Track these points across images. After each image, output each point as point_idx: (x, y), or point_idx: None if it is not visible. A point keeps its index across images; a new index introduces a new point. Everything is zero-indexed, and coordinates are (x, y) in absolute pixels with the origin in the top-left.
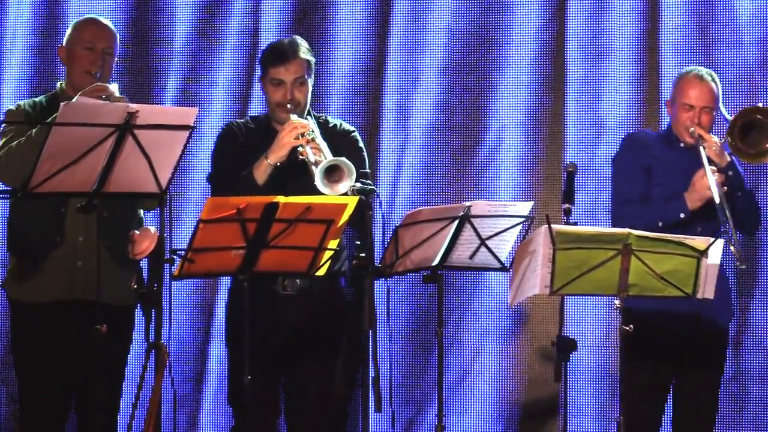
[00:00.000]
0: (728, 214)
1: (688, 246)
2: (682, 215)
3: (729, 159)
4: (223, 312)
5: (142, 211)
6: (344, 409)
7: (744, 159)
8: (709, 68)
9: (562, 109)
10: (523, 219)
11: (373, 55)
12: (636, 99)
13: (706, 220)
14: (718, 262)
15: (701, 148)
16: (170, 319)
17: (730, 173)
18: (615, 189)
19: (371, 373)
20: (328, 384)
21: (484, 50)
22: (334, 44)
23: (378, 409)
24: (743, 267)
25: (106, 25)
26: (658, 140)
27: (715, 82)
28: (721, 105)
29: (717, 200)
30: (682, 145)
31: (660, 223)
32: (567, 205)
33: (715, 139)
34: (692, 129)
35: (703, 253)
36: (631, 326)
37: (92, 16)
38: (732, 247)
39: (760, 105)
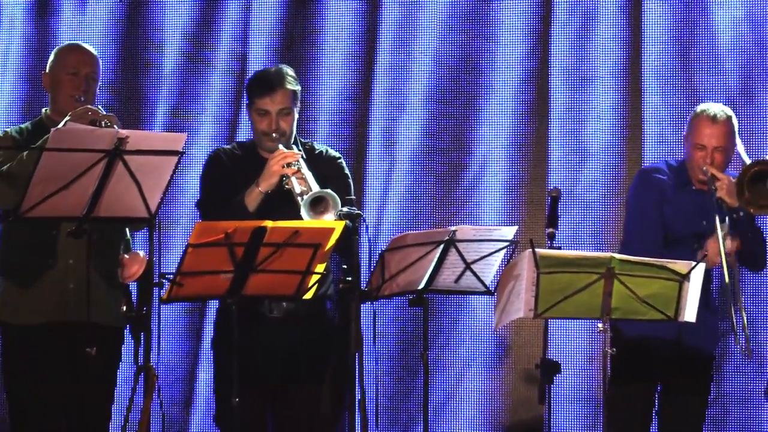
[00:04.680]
0: (735, 297)
1: (670, 270)
2: None
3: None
4: (211, 335)
5: (128, 232)
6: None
7: (752, 210)
8: (690, 94)
9: (546, 134)
10: (507, 243)
11: (360, 81)
12: (619, 124)
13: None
14: (700, 286)
15: (715, 203)
16: (159, 342)
17: (741, 213)
18: (633, 232)
19: (357, 396)
20: (316, 407)
21: (469, 76)
22: (321, 69)
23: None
24: (748, 358)
25: (88, 51)
26: (671, 181)
27: (729, 121)
28: (738, 141)
29: (727, 279)
30: (694, 187)
31: None
32: (551, 230)
33: (729, 178)
34: (705, 168)
35: (685, 276)
36: (614, 349)
37: (74, 42)
38: (736, 339)
39: None
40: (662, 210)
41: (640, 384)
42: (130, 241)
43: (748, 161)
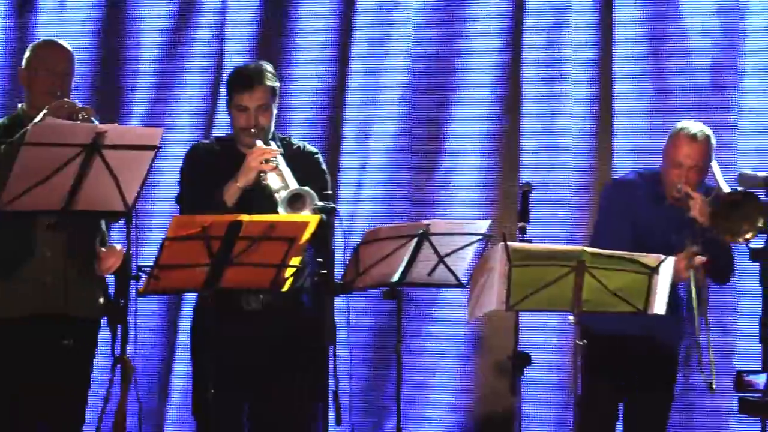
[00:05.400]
0: (697, 314)
1: (639, 263)
2: None
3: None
4: (188, 327)
5: (103, 224)
6: (306, 422)
7: (720, 234)
8: (661, 88)
9: (518, 129)
10: (480, 237)
11: (334, 76)
12: (590, 120)
13: (678, 233)
14: (670, 279)
15: (689, 221)
16: (136, 334)
17: (714, 231)
18: (600, 243)
19: (331, 387)
20: (291, 398)
21: (443, 72)
22: (295, 65)
23: (338, 423)
24: (712, 389)
25: (63, 47)
26: (643, 193)
27: (708, 141)
28: (714, 164)
29: (694, 304)
30: (667, 202)
31: None
32: (522, 224)
33: (701, 198)
34: (680, 186)
35: (655, 269)
36: (585, 341)
37: (50, 38)
38: (700, 369)
39: (748, 191)
40: (632, 222)
41: (609, 381)
42: (106, 234)
43: (722, 183)
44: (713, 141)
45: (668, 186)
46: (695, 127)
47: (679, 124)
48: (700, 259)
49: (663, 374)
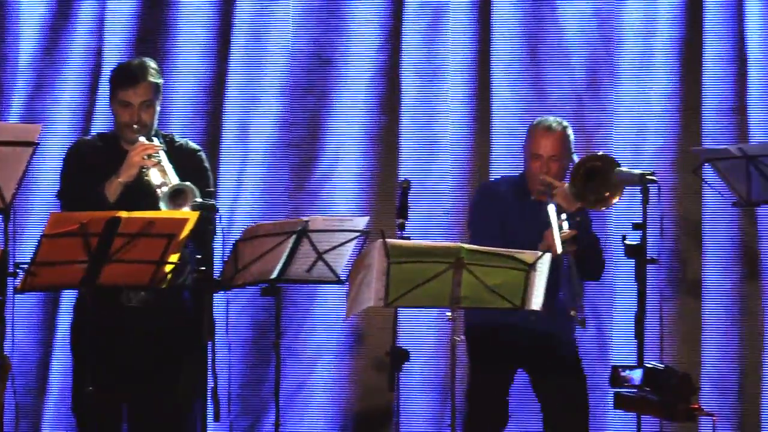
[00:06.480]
0: (572, 276)
1: (517, 259)
2: None
3: (578, 204)
4: (67, 324)
5: None
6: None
7: (586, 205)
8: (538, 87)
9: (397, 127)
10: (358, 233)
11: (214, 73)
12: (467, 118)
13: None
14: (546, 275)
15: (549, 206)
16: (13, 331)
17: (578, 218)
18: (473, 241)
19: (210, 384)
20: (171, 395)
21: (323, 69)
22: (175, 61)
23: (217, 419)
24: (582, 327)
25: None
26: (510, 192)
27: (564, 131)
28: (575, 156)
29: (559, 250)
30: (533, 198)
31: None
32: (401, 220)
33: (565, 185)
34: (542, 177)
35: (532, 266)
36: (462, 337)
37: None
38: (573, 311)
39: (600, 153)
40: (503, 221)
41: (495, 371)
42: None
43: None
44: (570, 132)
45: (531, 180)
46: (551, 119)
47: (536, 120)
48: (569, 232)
49: (565, 362)
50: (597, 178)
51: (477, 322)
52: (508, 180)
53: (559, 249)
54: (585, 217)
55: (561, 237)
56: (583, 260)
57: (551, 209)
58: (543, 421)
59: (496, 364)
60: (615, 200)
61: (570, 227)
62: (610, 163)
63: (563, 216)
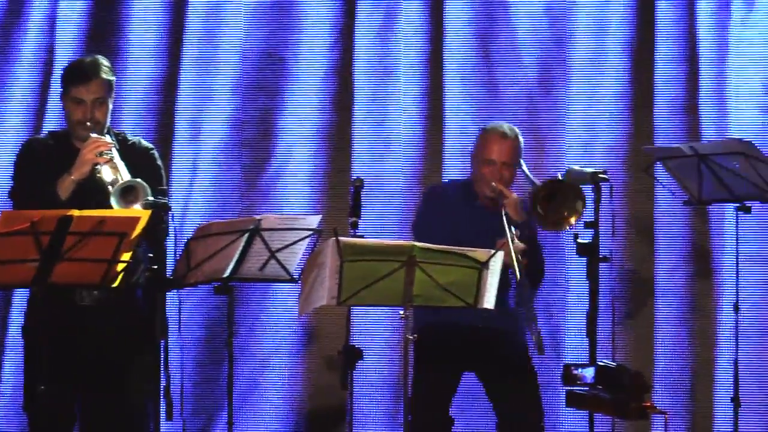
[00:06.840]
0: (523, 295)
1: (469, 258)
2: None
3: (525, 215)
4: (19, 323)
5: None
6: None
7: (546, 227)
8: (490, 84)
9: (350, 124)
10: (311, 232)
11: (166, 72)
12: (420, 115)
13: None
14: (499, 274)
15: (503, 215)
16: None
17: (527, 231)
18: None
19: (163, 382)
20: (123, 394)
21: (274, 67)
22: (127, 60)
23: (169, 418)
24: (541, 353)
25: None
26: (458, 196)
27: (517, 139)
28: (522, 162)
29: (518, 276)
30: (479, 203)
31: None
32: (354, 219)
33: (515, 195)
34: (493, 184)
35: (484, 264)
36: (416, 335)
37: None
38: (533, 335)
39: (560, 177)
40: (449, 223)
41: (441, 372)
42: None
43: (533, 179)
44: (521, 139)
45: (480, 185)
46: (504, 125)
47: (488, 125)
48: (520, 245)
49: (509, 359)
50: (557, 202)
51: (425, 323)
52: (456, 184)
53: (518, 274)
54: (531, 228)
55: (514, 250)
56: (529, 270)
57: (506, 221)
58: (496, 422)
59: (443, 366)
60: (572, 220)
61: (520, 239)
62: (570, 186)
63: (514, 230)
